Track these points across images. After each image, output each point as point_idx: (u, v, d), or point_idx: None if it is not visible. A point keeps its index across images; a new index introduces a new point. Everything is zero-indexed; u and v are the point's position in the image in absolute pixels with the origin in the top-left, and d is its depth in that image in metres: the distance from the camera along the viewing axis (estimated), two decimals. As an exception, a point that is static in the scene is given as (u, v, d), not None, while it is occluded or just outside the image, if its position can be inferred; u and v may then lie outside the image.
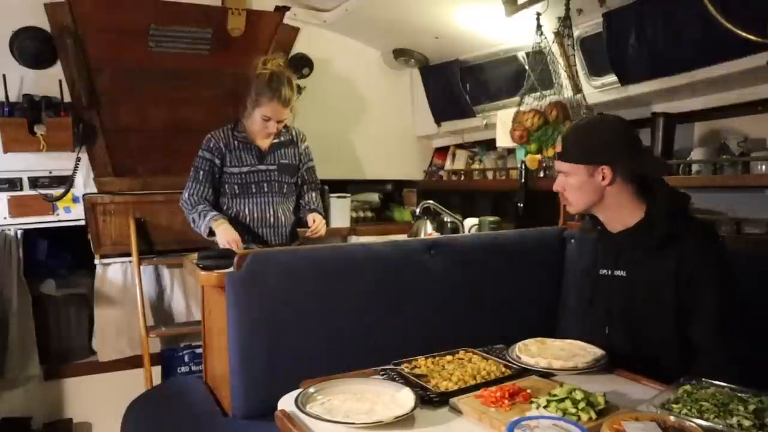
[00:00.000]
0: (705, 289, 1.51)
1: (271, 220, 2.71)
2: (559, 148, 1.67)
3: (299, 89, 3.53)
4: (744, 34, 1.84)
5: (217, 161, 2.65)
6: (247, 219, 2.69)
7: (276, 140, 2.73)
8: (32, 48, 2.82)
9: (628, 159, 1.61)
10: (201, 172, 2.65)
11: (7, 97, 2.80)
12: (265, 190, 2.70)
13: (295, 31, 3.36)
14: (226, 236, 2.50)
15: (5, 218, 2.92)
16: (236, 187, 2.68)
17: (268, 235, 2.72)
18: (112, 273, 3.16)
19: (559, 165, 1.68)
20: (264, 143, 2.71)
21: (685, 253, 1.53)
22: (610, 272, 1.69)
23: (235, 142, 2.67)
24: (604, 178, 1.60)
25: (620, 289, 1.66)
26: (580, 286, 1.91)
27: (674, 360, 1.54)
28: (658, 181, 1.67)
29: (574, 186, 1.65)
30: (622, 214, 1.65)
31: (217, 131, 2.68)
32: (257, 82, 2.59)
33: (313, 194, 2.86)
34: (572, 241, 2.33)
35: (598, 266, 1.74)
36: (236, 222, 2.65)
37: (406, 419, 1.24)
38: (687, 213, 1.65)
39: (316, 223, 2.71)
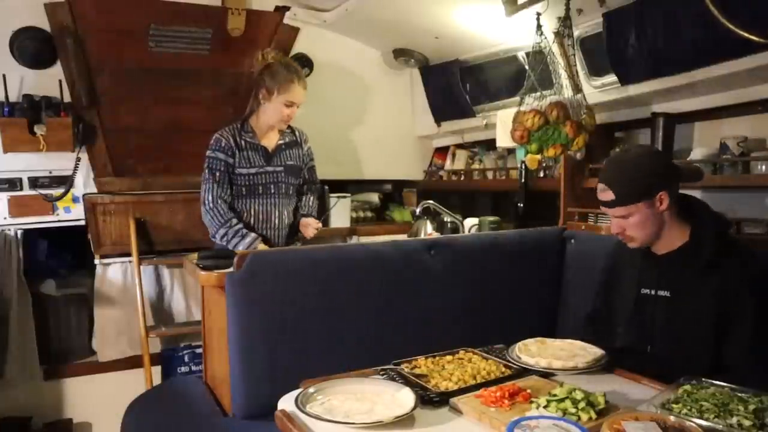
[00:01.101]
0: (743, 309, 1.54)
1: (276, 221, 2.72)
2: (608, 197, 1.65)
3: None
4: (744, 34, 1.84)
5: (231, 161, 2.63)
6: (252, 219, 2.69)
7: (281, 141, 2.74)
8: (32, 48, 2.82)
9: (674, 178, 1.66)
10: (218, 173, 2.61)
11: (7, 97, 2.80)
12: (272, 191, 2.70)
13: (295, 31, 3.36)
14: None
15: (5, 218, 2.92)
16: (243, 188, 2.67)
17: (270, 235, 2.72)
18: (112, 273, 3.16)
19: (615, 211, 1.66)
20: (270, 143, 2.71)
21: (729, 274, 1.57)
22: (653, 292, 1.71)
23: (243, 143, 2.66)
24: (661, 204, 1.62)
25: (664, 308, 1.67)
26: (604, 299, 1.89)
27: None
28: (700, 203, 1.72)
29: (637, 224, 1.65)
30: (669, 236, 1.68)
31: (225, 131, 2.66)
32: (272, 72, 2.60)
33: (311, 197, 2.90)
34: (572, 241, 2.33)
35: (639, 286, 1.74)
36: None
37: (406, 419, 1.24)
38: (730, 235, 1.70)
39: (313, 226, 2.81)
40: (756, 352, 1.51)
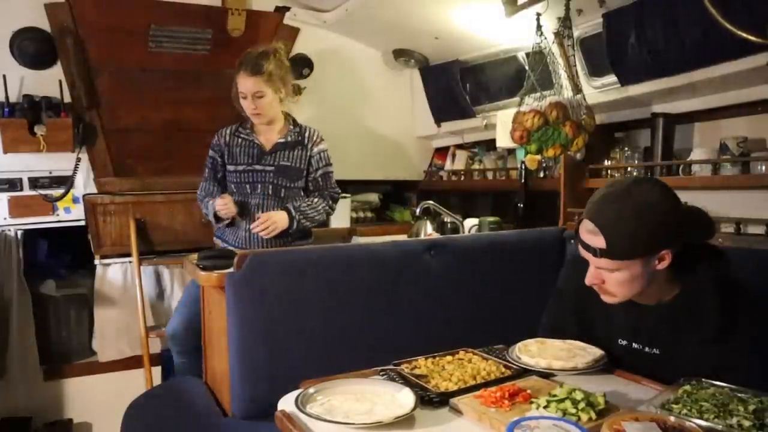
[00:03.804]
0: (746, 362, 1.36)
1: None
2: (597, 243, 1.36)
3: (299, 89, 3.55)
4: (743, 35, 1.84)
5: (219, 158, 2.62)
6: (239, 220, 2.57)
7: (282, 140, 2.59)
8: (32, 48, 2.82)
9: (682, 235, 1.38)
10: (206, 170, 2.65)
11: (7, 97, 2.80)
12: (258, 191, 2.56)
13: (295, 31, 3.37)
14: (218, 202, 2.47)
15: (5, 219, 2.92)
16: (233, 185, 2.60)
17: (258, 239, 2.53)
18: (112, 273, 3.16)
19: (600, 263, 1.37)
20: (268, 141, 2.59)
21: (734, 339, 1.36)
22: (639, 347, 1.51)
23: (238, 140, 2.60)
24: (660, 262, 1.36)
25: (652, 366, 1.47)
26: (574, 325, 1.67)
27: None
28: (690, 246, 1.44)
29: (623, 280, 1.37)
30: (660, 289, 1.45)
31: (224, 129, 2.65)
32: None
33: (316, 200, 2.61)
34: (572, 241, 2.33)
35: (615, 334, 1.56)
36: (231, 222, 2.58)
37: (406, 419, 1.24)
38: (731, 283, 1.40)
39: (261, 218, 2.45)
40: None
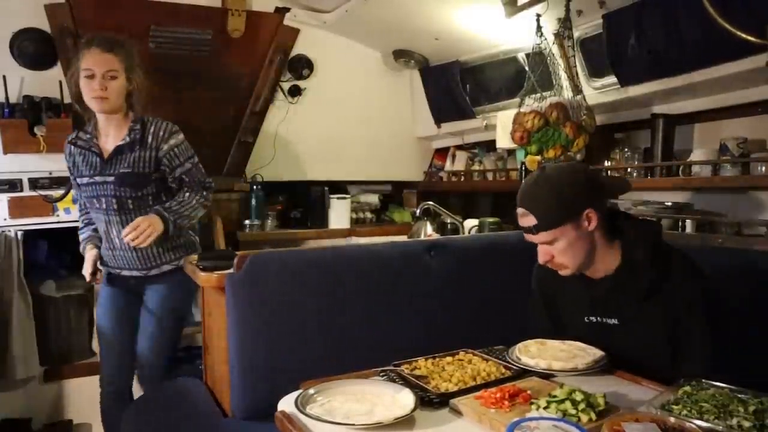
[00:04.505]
0: (691, 327, 1.49)
1: (116, 241, 2.26)
2: (530, 222, 1.55)
3: (298, 90, 3.55)
4: (743, 36, 1.84)
5: (68, 165, 2.36)
6: (100, 239, 2.35)
7: (123, 141, 2.20)
8: (32, 49, 2.83)
9: (598, 193, 1.57)
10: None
11: (7, 98, 2.80)
12: (104, 206, 2.23)
13: (295, 32, 3.37)
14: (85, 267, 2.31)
15: (5, 219, 2.92)
16: (85, 201, 2.33)
17: (118, 259, 2.30)
18: (112, 274, 3.15)
19: (539, 237, 1.55)
20: (108, 145, 2.23)
21: (671, 293, 1.51)
22: (600, 320, 1.63)
23: (78, 149, 2.28)
24: (590, 222, 1.52)
25: (616, 337, 1.60)
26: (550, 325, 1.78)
27: None
28: (624, 215, 1.66)
29: (564, 247, 1.54)
30: (603, 258, 1.58)
31: (70, 135, 2.35)
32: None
33: (187, 194, 2.27)
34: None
35: (581, 314, 1.67)
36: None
37: (406, 420, 1.24)
38: (663, 245, 1.58)
39: (131, 226, 2.13)
40: (710, 368, 1.42)
